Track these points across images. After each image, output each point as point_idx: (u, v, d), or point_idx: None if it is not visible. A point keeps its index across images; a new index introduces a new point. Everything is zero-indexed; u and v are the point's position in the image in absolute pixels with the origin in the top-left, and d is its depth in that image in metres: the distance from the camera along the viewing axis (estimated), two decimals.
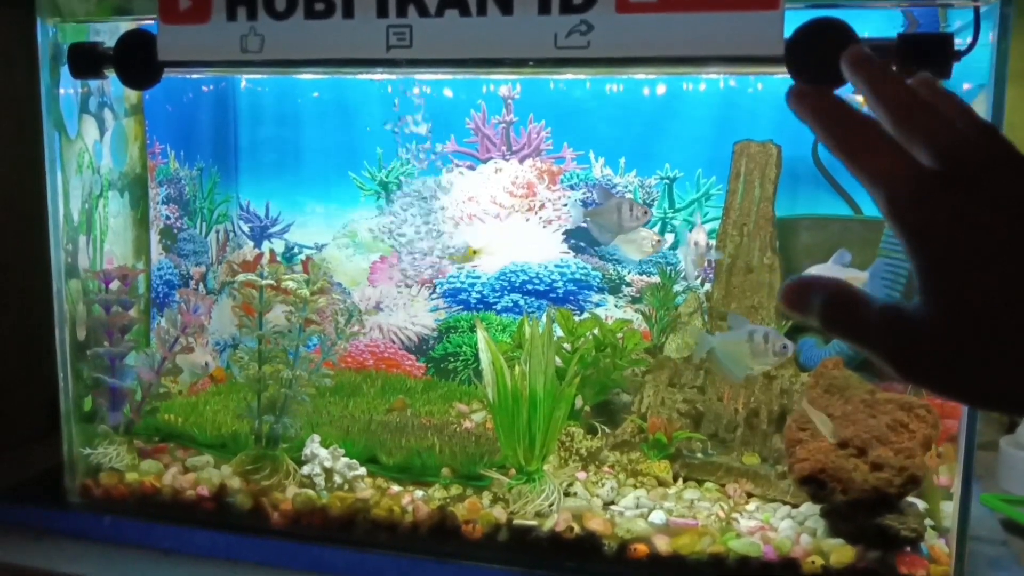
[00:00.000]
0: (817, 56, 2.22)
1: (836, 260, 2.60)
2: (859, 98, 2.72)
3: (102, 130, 3.05)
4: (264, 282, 2.79)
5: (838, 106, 0.99)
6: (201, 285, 3.67)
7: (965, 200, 0.88)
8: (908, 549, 2.44)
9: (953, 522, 2.41)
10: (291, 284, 2.78)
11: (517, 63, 2.47)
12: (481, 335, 2.77)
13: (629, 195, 3.45)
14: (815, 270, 2.58)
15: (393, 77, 3.45)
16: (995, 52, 2.25)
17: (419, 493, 2.80)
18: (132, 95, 3.18)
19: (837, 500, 2.48)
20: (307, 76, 3.58)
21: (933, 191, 0.89)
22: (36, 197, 2.83)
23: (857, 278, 2.54)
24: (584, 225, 3.07)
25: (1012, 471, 3.15)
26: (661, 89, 3.42)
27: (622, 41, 2.33)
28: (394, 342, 3.76)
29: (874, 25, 2.41)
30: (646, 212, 2.72)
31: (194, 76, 3.50)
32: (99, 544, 2.88)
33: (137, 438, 3.05)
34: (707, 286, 3.38)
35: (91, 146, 3.01)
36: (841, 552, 2.45)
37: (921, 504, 2.64)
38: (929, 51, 2.25)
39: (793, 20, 2.24)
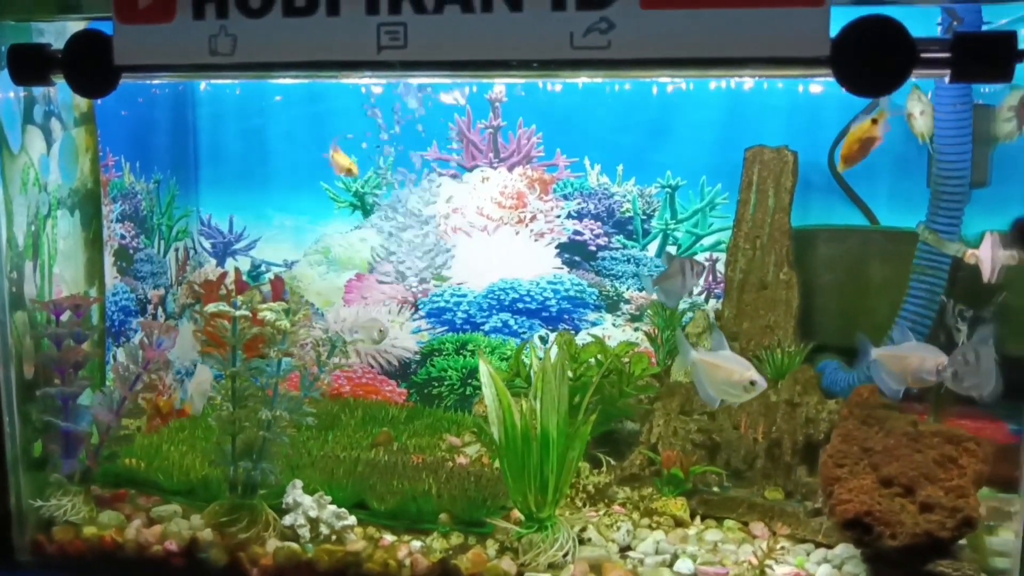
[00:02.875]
0: (868, 59, 2.00)
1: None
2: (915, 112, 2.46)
3: (49, 142, 2.72)
4: (238, 312, 2.48)
5: None
6: (160, 309, 3.34)
7: None
8: None
9: (1014, 570, 2.20)
10: (268, 315, 2.47)
11: (526, 65, 2.19)
12: (484, 368, 2.50)
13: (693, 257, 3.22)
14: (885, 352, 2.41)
15: (381, 81, 3.15)
16: None
17: (416, 544, 2.52)
18: (82, 102, 2.84)
19: (886, 545, 2.26)
20: (285, 81, 3.26)
21: None
22: None
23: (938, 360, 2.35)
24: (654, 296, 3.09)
25: None
26: (663, 89, 3.16)
27: (647, 41, 2.07)
28: (372, 366, 3.46)
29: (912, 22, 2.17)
30: (704, 267, 2.69)
31: (155, 81, 3.17)
32: None
33: (95, 486, 2.73)
34: (715, 303, 3.15)
35: (37, 161, 2.67)
36: None
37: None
38: (989, 51, 2.03)
39: (838, 19, 2.01)
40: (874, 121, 2.63)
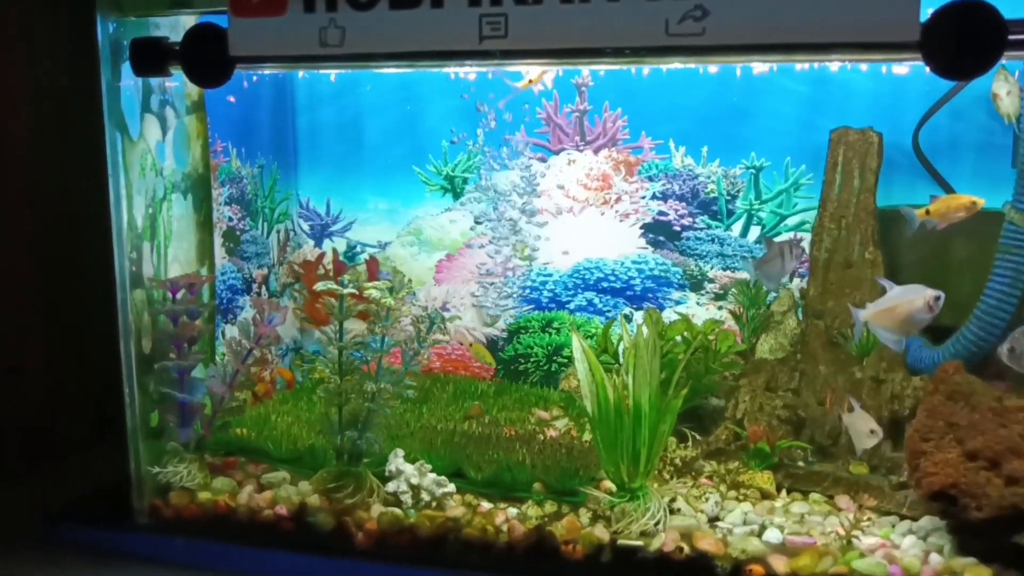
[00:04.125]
0: (959, 43, 2.05)
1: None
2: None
3: (164, 129, 2.88)
4: (346, 291, 2.61)
5: None
6: (264, 288, 3.50)
7: None
8: None
9: None
10: (374, 292, 2.61)
11: (620, 52, 2.28)
12: (577, 344, 2.60)
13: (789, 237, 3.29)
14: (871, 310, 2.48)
15: (483, 69, 3.26)
16: None
17: (512, 511, 2.64)
18: (193, 91, 3.00)
19: (971, 517, 2.32)
20: (389, 70, 3.38)
21: None
22: (84, 198, 2.66)
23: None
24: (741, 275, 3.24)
25: None
26: (747, 71, 3.22)
27: (740, 27, 2.15)
28: (462, 344, 3.59)
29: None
30: (803, 249, 2.79)
31: (266, 72, 3.32)
32: (170, 568, 2.73)
33: (208, 454, 2.89)
34: (800, 282, 3.21)
35: (154, 147, 2.84)
36: (976, 572, 2.29)
37: None
38: None
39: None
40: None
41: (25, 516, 2.88)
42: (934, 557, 2.37)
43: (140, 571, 2.71)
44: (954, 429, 2.46)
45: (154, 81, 2.81)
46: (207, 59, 2.54)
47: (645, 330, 2.56)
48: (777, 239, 3.08)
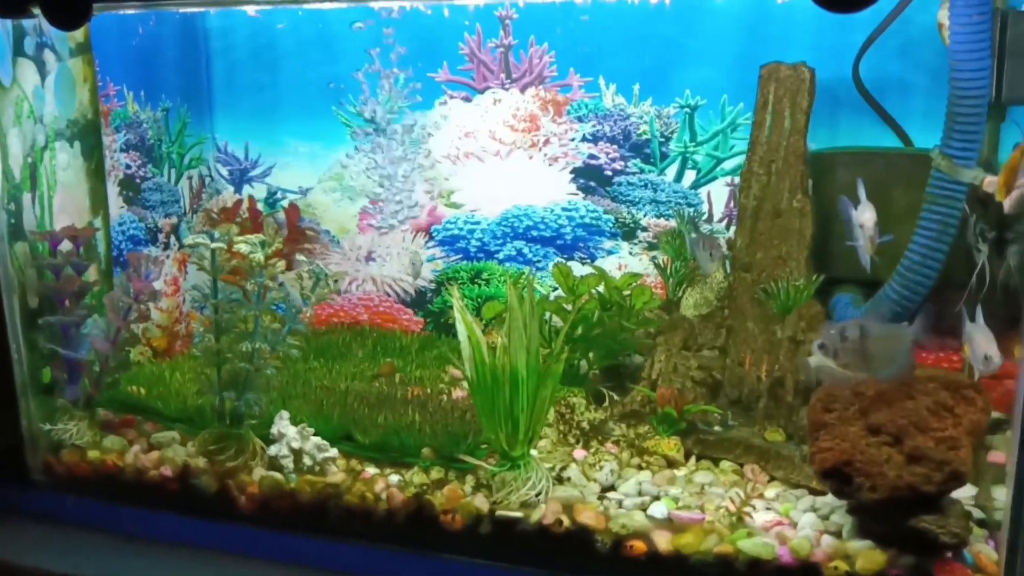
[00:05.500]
0: None
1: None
2: None
3: (43, 74, 2.73)
4: (214, 244, 2.46)
5: None
6: (173, 238, 3.37)
7: None
8: (949, 555, 2.07)
9: (1004, 524, 2.02)
10: (243, 247, 2.45)
11: None
12: (456, 303, 2.42)
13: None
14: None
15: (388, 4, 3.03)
16: None
17: (394, 478, 2.50)
18: (78, 33, 2.84)
19: (864, 497, 2.11)
20: (259, 7, 3.18)
21: None
22: None
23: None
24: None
25: None
26: (680, 1, 2.95)
27: None
28: (389, 295, 3.43)
29: None
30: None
31: (128, 11, 3.14)
32: (61, 527, 2.67)
33: (101, 411, 2.81)
34: (728, 232, 2.97)
35: (31, 93, 2.69)
36: (869, 557, 2.09)
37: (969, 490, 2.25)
38: None
39: None
40: None
41: None
42: (826, 539, 2.17)
43: (33, 531, 2.67)
44: (860, 399, 2.24)
45: (28, 23, 2.66)
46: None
47: (523, 290, 2.36)
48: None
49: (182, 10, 3.25)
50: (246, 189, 3.56)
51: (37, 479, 2.78)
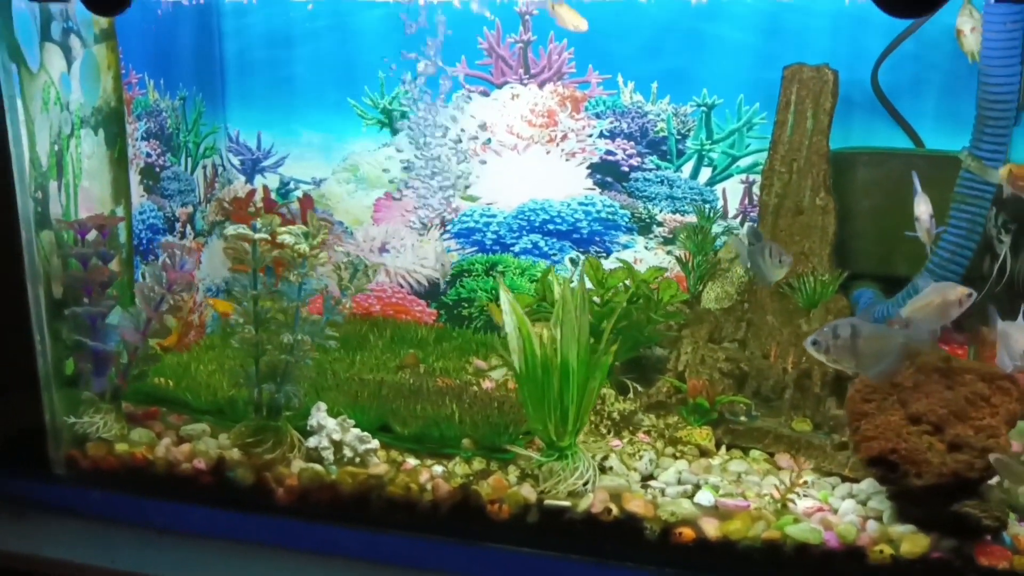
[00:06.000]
0: None
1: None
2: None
3: (69, 60, 2.68)
4: (258, 236, 2.45)
5: None
6: (188, 227, 3.32)
7: None
8: (989, 538, 2.18)
9: None
10: (287, 238, 2.45)
11: None
12: (505, 298, 2.46)
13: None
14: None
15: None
16: None
17: (438, 468, 2.53)
18: (103, 19, 2.79)
19: (911, 484, 2.21)
20: None
21: None
22: None
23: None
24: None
25: None
26: (699, 1, 3.02)
27: None
28: (402, 286, 3.45)
29: None
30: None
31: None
32: (87, 521, 2.63)
33: (126, 404, 2.77)
34: (742, 228, 3.06)
35: (57, 79, 2.64)
36: (913, 541, 2.19)
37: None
38: None
39: None
40: None
41: None
42: (871, 524, 2.27)
43: (57, 525, 2.62)
44: (898, 390, 2.35)
45: (54, 7, 2.61)
46: None
47: (575, 282, 2.41)
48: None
49: None
50: (258, 179, 3.53)
51: (60, 473, 2.73)
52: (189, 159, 3.34)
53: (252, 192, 3.41)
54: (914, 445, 2.23)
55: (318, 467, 2.54)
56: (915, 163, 2.82)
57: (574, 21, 2.79)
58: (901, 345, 2.17)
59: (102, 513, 2.65)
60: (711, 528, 2.30)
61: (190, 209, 3.34)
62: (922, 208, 2.39)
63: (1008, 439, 2.23)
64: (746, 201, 3.16)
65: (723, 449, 2.69)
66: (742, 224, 3.15)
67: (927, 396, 2.30)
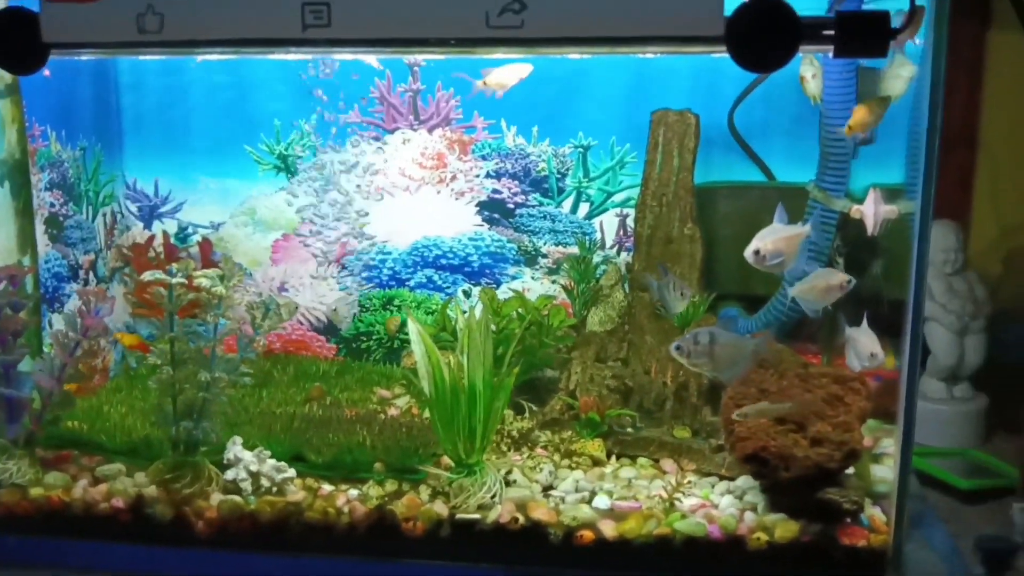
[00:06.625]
0: (758, 38, 2.18)
1: (778, 219, 2.57)
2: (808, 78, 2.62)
3: None
4: (174, 280, 2.58)
5: None
6: (91, 274, 3.39)
7: None
8: (849, 520, 2.50)
9: (893, 494, 2.47)
10: (204, 281, 2.59)
11: (445, 43, 2.32)
12: (413, 328, 2.66)
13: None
14: (766, 233, 2.55)
15: (308, 57, 3.23)
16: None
17: (353, 492, 2.69)
18: (5, 74, 2.87)
19: (780, 477, 2.51)
20: (213, 57, 3.30)
21: None
22: None
23: (799, 233, 2.52)
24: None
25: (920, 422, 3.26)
26: (574, 56, 3.31)
27: (557, 20, 2.22)
28: (301, 323, 3.60)
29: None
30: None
31: (84, 58, 3.18)
32: (3, 568, 2.67)
33: (39, 449, 2.82)
34: (627, 256, 3.35)
35: None
36: (785, 527, 2.49)
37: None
38: (867, 29, 2.21)
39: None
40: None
41: None
42: (748, 515, 2.56)
43: None
44: (765, 395, 2.65)
45: None
46: (19, 45, 2.43)
47: (479, 310, 2.63)
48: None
49: (141, 57, 3.31)
50: (156, 225, 3.62)
51: None
52: (90, 207, 3.42)
53: (151, 238, 3.50)
54: (782, 443, 2.52)
55: (237, 498, 2.66)
56: (768, 194, 3.19)
57: (503, 77, 3.02)
58: (752, 352, 2.46)
59: (17, 559, 2.69)
60: (609, 529, 2.53)
61: (92, 256, 3.41)
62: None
63: (861, 433, 2.55)
64: (622, 232, 3.46)
65: (614, 458, 2.95)
66: (618, 254, 3.43)
67: (790, 399, 2.61)
